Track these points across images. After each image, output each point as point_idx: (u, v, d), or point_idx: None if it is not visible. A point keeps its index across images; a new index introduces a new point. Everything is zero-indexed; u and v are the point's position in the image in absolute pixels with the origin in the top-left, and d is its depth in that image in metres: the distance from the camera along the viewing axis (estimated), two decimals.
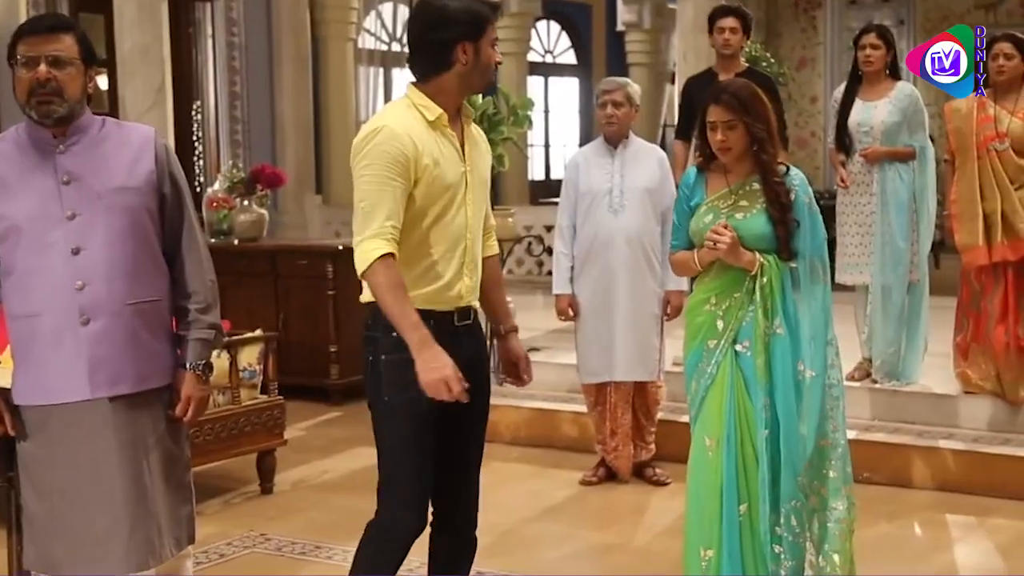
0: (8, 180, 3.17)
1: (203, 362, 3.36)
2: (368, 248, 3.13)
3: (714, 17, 6.46)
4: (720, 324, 3.81)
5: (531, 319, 8.23)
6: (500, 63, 3.40)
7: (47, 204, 3.15)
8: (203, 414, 3.55)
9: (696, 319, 3.88)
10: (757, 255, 3.75)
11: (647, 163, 5.73)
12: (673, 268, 4.19)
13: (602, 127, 5.78)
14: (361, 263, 3.14)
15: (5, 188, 3.16)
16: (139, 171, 3.25)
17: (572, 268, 5.77)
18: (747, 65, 6.57)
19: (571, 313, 5.79)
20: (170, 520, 3.32)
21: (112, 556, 3.20)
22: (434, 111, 3.27)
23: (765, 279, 3.75)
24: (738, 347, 3.80)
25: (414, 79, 3.35)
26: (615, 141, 5.75)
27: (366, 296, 3.29)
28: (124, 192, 3.20)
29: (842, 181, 6.24)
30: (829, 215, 4.74)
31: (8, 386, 3.30)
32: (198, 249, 3.38)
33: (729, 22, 6.36)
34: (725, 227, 3.73)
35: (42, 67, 3.13)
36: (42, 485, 3.22)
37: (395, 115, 3.27)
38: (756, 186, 3.81)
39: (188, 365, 3.33)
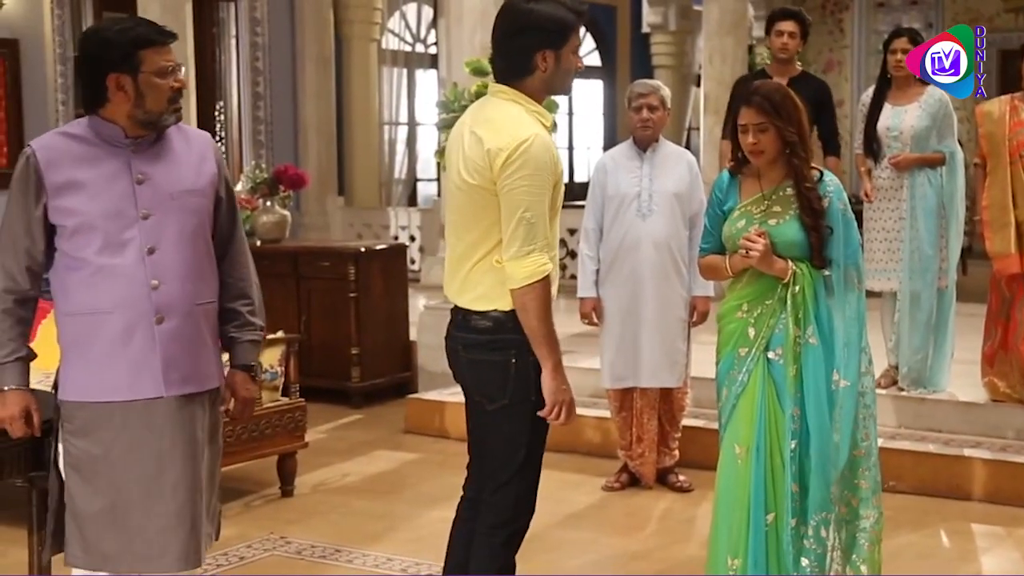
0: (81, 177, 3.14)
1: (255, 363, 3.45)
2: (538, 263, 3.24)
3: (773, 19, 6.39)
4: (751, 332, 3.77)
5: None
6: (581, 69, 3.43)
7: (122, 203, 3.15)
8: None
9: (728, 326, 3.85)
10: (789, 263, 3.71)
11: (677, 167, 5.67)
12: (701, 272, 4.16)
13: (635, 130, 5.69)
14: (528, 276, 3.24)
15: (78, 185, 3.13)
16: (204, 174, 3.29)
17: (597, 271, 5.72)
18: (801, 69, 6.49)
19: (594, 317, 5.74)
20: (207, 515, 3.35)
21: (171, 553, 3.20)
22: (548, 118, 3.34)
23: (797, 287, 3.71)
24: (770, 355, 3.76)
25: (497, 81, 3.38)
26: (645, 144, 5.69)
27: (489, 304, 3.36)
28: (192, 194, 3.24)
29: (866, 195, 6.16)
30: (857, 220, 4.69)
31: (38, 387, 3.28)
32: (246, 252, 3.45)
33: (788, 26, 6.30)
34: (760, 234, 3.69)
35: (182, 74, 3.18)
36: (99, 482, 3.18)
37: (530, 121, 3.28)
38: (789, 191, 3.77)
39: (243, 366, 3.41)
